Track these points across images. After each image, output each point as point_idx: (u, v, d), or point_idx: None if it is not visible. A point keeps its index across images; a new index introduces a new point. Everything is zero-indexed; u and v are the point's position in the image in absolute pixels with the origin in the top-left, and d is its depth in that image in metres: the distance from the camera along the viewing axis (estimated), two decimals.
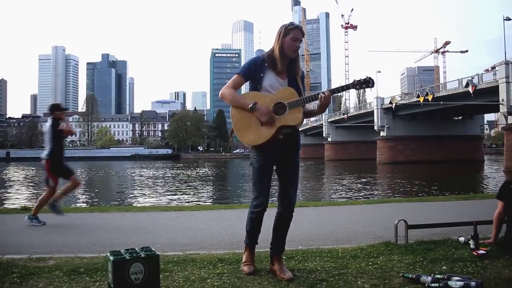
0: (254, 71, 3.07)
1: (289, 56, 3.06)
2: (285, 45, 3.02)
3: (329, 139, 71.41)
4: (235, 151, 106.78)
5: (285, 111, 2.98)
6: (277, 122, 2.97)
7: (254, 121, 2.99)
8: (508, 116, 34.18)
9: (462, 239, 3.97)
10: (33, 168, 46.68)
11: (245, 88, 3.42)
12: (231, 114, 3.07)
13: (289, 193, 3.15)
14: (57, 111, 6.06)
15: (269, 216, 3.19)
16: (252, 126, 3.00)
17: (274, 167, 3.17)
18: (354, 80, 3.09)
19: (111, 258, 2.58)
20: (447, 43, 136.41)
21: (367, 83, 3.03)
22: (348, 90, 3.11)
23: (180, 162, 72.58)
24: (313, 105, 3.18)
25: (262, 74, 3.05)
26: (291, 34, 3.01)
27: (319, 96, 3.00)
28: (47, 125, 6.02)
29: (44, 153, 5.99)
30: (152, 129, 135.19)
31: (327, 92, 3.01)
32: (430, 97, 39.82)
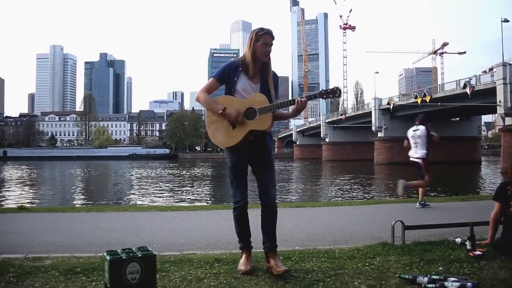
0: (228, 75, 3.23)
1: (261, 60, 3.20)
2: (257, 51, 3.17)
3: (327, 140, 71.48)
4: None
5: (255, 116, 3.13)
6: (247, 126, 3.14)
7: (226, 124, 3.17)
8: (506, 118, 34.25)
9: (458, 240, 3.97)
10: (30, 168, 46.60)
11: None
12: (206, 116, 3.28)
13: (268, 188, 3.25)
14: (428, 122, 7.68)
15: (259, 217, 3.25)
16: (223, 128, 3.18)
17: (250, 168, 3.32)
18: (322, 90, 3.27)
19: (108, 257, 2.58)
20: (445, 44, 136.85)
21: (334, 93, 3.21)
22: (318, 99, 3.35)
23: (177, 162, 72.54)
24: (290, 109, 3.33)
25: (235, 78, 3.21)
26: (262, 40, 3.16)
27: (296, 101, 3.18)
28: (422, 132, 7.48)
29: (419, 154, 7.43)
30: (150, 128, 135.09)
31: (305, 98, 3.19)
32: (427, 98, 39.90)
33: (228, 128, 3.17)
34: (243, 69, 3.21)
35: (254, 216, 3.31)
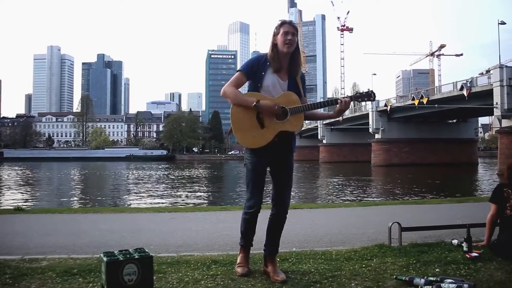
0: (256, 70, 3.06)
1: (284, 51, 3.02)
2: (278, 42, 3.03)
3: (324, 141, 71.43)
4: (230, 153, 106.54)
5: (286, 116, 2.98)
6: (277, 127, 2.98)
7: (255, 124, 2.97)
8: (502, 120, 34.35)
9: (455, 241, 3.98)
10: (27, 168, 46.44)
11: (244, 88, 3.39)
12: (231, 113, 3.03)
13: (283, 195, 3.16)
14: None
15: (264, 218, 3.20)
16: (252, 128, 2.98)
17: (268, 169, 3.18)
18: (357, 93, 3.18)
19: (105, 259, 2.57)
20: (442, 46, 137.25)
21: (369, 96, 3.13)
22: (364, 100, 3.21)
23: (175, 163, 72.45)
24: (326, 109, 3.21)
25: (263, 73, 3.04)
26: (281, 29, 3.01)
27: (340, 101, 3.06)
28: None
29: None
30: (147, 130, 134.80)
31: (348, 99, 3.08)
32: (425, 100, 39.99)
33: (256, 128, 2.97)
34: (271, 64, 3.05)
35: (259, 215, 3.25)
